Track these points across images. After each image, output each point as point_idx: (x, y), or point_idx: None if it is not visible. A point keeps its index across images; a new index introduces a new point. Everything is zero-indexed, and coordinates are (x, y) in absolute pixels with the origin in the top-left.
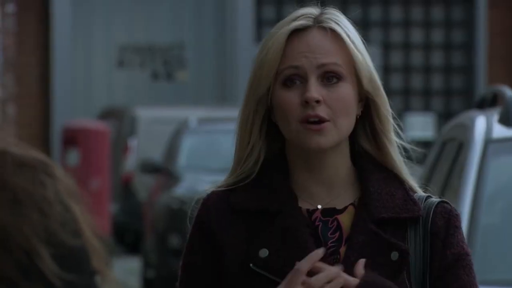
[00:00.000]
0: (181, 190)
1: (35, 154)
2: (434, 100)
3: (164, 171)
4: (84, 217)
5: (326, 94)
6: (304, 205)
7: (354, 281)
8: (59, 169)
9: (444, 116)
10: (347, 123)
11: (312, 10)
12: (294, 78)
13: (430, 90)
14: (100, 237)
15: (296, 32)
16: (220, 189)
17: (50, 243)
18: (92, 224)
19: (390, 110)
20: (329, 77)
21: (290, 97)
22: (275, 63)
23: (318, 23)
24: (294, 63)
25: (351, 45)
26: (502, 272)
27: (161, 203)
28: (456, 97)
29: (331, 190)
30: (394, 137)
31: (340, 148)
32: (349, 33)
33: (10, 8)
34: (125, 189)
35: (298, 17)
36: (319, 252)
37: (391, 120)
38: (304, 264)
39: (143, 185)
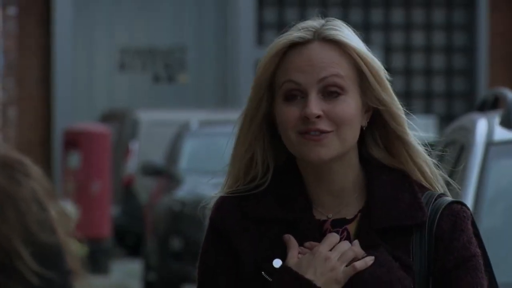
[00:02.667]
0: (182, 192)
1: (11, 153)
2: (435, 102)
3: (165, 173)
4: (59, 217)
5: (327, 109)
6: (316, 214)
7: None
8: (35, 167)
9: (446, 119)
10: (350, 134)
11: (314, 23)
12: (295, 93)
13: (432, 92)
14: (74, 237)
15: (296, 45)
16: (230, 195)
17: (29, 242)
18: (67, 225)
19: (403, 114)
20: (330, 91)
21: (291, 111)
22: (266, 73)
23: (318, 35)
24: (294, 78)
25: (354, 54)
26: (503, 275)
27: (162, 206)
28: (458, 100)
29: (340, 199)
30: (414, 142)
31: (348, 158)
32: (352, 42)
33: (12, 10)
34: (126, 192)
35: (300, 30)
36: (337, 236)
37: (406, 126)
38: (324, 247)
39: (144, 187)
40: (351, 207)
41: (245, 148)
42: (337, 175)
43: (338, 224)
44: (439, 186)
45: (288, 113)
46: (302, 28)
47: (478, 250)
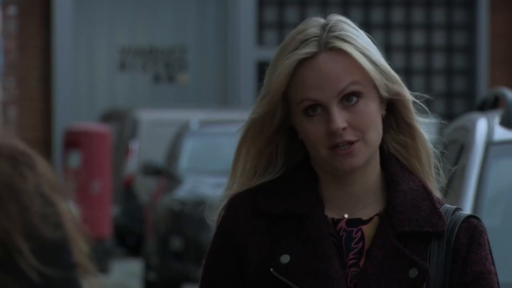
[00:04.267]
0: (182, 192)
1: (17, 145)
2: (435, 102)
3: (165, 173)
4: (67, 211)
5: (350, 117)
6: (330, 214)
7: None
8: (41, 161)
9: (446, 119)
10: (375, 135)
11: (315, 30)
12: (315, 107)
13: (432, 92)
14: (82, 232)
15: (305, 59)
16: (242, 187)
17: (30, 236)
18: (75, 218)
19: (411, 100)
20: (349, 97)
21: (315, 128)
22: (279, 92)
23: (325, 46)
24: (311, 96)
25: (362, 62)
26: (503, 275)
27: (162, 206)
28: (458, 100)
29: (358, 201)
30: (421, 128)
31: (371, 158)
32: (357, 46)
33: (12, 10)
34: (126, 192)
35: (303, 42)
36: None
37: (414, 112)
38: None
39: (145, 187)
40: (367, 209)
41: (257, 152)
42: (359, 178)
43: (353, 224)
44: (432, 179)
45: (314, 130)
46: (306, 40)
47: (493, 268)
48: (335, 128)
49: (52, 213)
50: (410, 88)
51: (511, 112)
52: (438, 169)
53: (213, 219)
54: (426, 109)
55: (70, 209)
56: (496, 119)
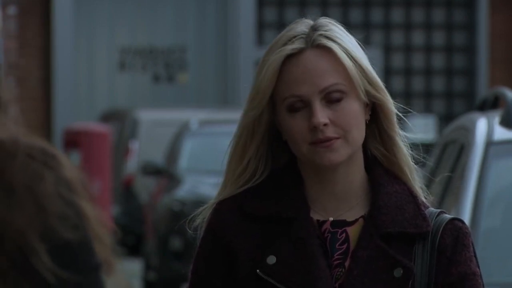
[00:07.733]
0: (182, 192)
1: (39, 144)
2: (435, 102)
3: (165, 173)
4: (90, 208)
5: (332, 114)
6: (315, 216)
7: None
8: (64, 159)
9: (446, 118)
10: (358, 134)
11: (304, 28)
12: (298, 105)
13: (431, 92)
14: (107, 227)
15: (292, 55)
16: (230, 195)
17: (47, 238)
18: (99, 215)
19: (394, 111)
20: (332, 96)
21: (297, 123)
22: (269, 90)
23: (311, 43)
24: (296, 92)
25: (346, 62)
26: (503, 275)
27: (162, 206)
28: (458, 99)
29: (343, 203)
30: (400, 141)
31: (354, 158)
32: (343, 46)
33: (12, 10)
34: (126, 192)
35: (291, 38)
36: None
37: (396, 124)
38: None
39: (145, 187)
40: (352, 211)
41: (247, 160)
42: (342, 177)
43: (338, 225)
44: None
45: (296, 126)
46: (294, 37)
47: (478, 270)
48: (317, 123)
49: (72, 214)
50: (410, 88)
51: (511, 112)
52: (422, 186)
53: (195, 225)
54: (406, 120)
55: (92, 208)
56: (496, 119)
